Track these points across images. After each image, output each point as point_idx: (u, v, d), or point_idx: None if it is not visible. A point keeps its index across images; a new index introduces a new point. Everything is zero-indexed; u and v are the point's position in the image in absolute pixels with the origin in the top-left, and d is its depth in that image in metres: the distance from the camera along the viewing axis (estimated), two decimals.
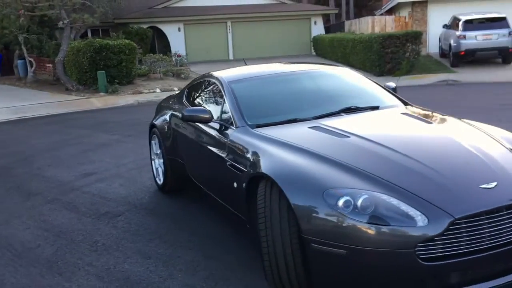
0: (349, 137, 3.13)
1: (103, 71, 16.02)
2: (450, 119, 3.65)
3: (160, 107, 5.41)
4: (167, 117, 4.92)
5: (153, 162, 5.41)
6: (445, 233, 2.34)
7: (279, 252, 2.66)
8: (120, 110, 12.90)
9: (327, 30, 29.20)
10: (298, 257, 2.65)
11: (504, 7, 19.39)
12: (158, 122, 5.06)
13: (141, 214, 4.58)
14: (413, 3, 21.98)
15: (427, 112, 3.85)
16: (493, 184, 2.53)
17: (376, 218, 2.37)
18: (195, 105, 4.53)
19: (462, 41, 16.74)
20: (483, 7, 19.91)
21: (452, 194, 2.47)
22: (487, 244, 2.37)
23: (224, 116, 3.83)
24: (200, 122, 3.88)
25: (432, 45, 21.55)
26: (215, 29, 25.69)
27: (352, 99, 3.97)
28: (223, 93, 3.97)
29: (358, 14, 36.15)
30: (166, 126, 4.87)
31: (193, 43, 25.13)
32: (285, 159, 2.91)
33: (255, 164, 3.08)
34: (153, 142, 5.30)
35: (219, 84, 4.14)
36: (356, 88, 4.25)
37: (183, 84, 13.59)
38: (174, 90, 14.73)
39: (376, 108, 3.83)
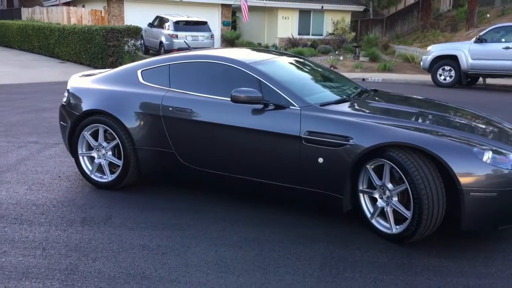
0: (416, 111, 3.91)
1: None
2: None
3: (93, 92, 4.58)
4: (134, 103, 4.32)
5: (82, 157, 4.59)
6: None
7: (434, 205, 3.26)
8: None
9: None
10: (444, 207, 3.31)
11: (190, 12, 21.95)
12: (110, 109, 4.33)
13: (138, 212, 4.00)
14: None
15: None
16: None
17: None
18: (181, 88, 4.26)
19: (175, 40, 18.33)
20: (175, 10, 22.01)
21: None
22: None
23: (266, 97, 3.89)
24: (252, 103, 3.81)
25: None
26: None
27: (346, 82, 4.66)
28: (253, 75, 4.00)
29: (23, 2, 33.48)
30: (136, 114, 4.29)
31: None
32: (406, 131, 3.44)
33: (368, 136, 3.46)
34: (86, 133, 4.50)
35: (236, 66, 4.11)
36: (331, 72, 4.92)
37: None
38: None
39: (375, 90, 4.64)
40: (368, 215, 3.65)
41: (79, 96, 4.66)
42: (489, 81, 15.18)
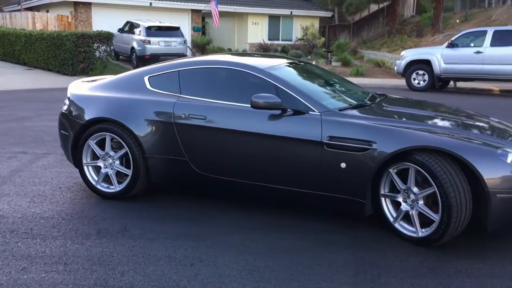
0: (432, 115, 3.96)
1: None
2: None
3: (98, 99, 4.42)
4: (143, 110, 4.20)
5: (87, 167, 4.43)
6: None
7: (463, 207, 3.29)
8: None
9: None
10: (471, 209, 3.34)
11: (160, 17, 21.69)
12: (118, 116, 4.19)
13: (153, 222, 3.88)
14: (75, 3, 21.69)
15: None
16: None
17: None
18: (193, 94, 4.18)
19: (147, 46, 18.04)
20: (144, 15, 21.71)
21: None
22: None
23: (284, 103, 3.85)
24: (271, 109, 3.76)
25: None
26: None
27: (354, 87, 4.67)
28: (270, 80, 3.96)
29: None
30: (146, 121, 4.17)
31: None
32: (431, 135, 3.46)
33: (393, 141, 3.46)
34: (91, 142, 4.35)
35: (252, 71, 4.06)
36: (337, 77, 4.94)
37: None
38: None
39: (384, 95, 4.68)
40: (391, 219, 3.66)
41: (82, 104, 4.50)
42: (459, 84, 15.63)
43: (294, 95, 3.86)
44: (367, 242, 3.59)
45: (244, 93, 3.99)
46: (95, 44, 16.66)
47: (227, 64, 4.25)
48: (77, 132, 4.40)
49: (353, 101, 4.17)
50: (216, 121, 4.01)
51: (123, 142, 4.20)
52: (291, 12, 26.87)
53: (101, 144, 4.37)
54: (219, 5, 22.16)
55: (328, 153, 3.64)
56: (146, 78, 4.42)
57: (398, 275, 3.10)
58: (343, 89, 4.54)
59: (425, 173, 3.35)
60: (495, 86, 15.86)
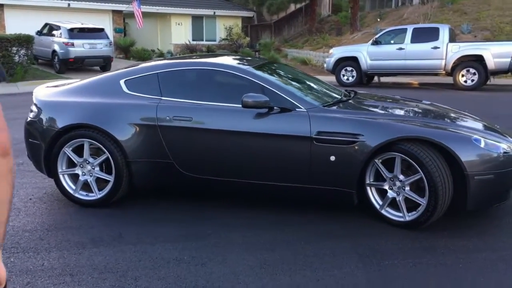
0: (406, 107, 4.24)
1: None
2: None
3: (71, 104, 4.25)
4: (123, 114, 4.11)
5: (63, 176, 4.27)
6: None
7: (447, 190, 3.59)
8: None
9: None
10: (452, 191, 3.66)
11: (79, 19, 20.85)
12: (97, 122, 4.07)
13: (145, 226, 3.82)
14: None
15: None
16: None
17: (504, 150, 3.74)
18: (175, 96, 4.16)
19: (71, 49, 17.26)
20: (62, 17, 20.77)
21: None
22: None
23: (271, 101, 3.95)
24: (261, 108, 3.84)
25: None
26: None
27: (326, 84, 4.86)
28: (255, 80, 4.05)
29: None
30: (127, 125, 4.08)
31: None
32: (414, 126, 3.73)
33: (380, 132, 3.69)
34: (67, 149, 4.19)
35: (236, 72, 4.12)
36: (309, 75, 5.10)
37: None
38: None
39: (354, 91, 4.91)
40: (378, 206, 3.88)
41: (54, 110, 4.31)
42: (383, 79, 16.52)
43: (280, 93, 3.98)
44: (359, 230, 3.79)
45: (229, 94, 4.06)
46: (14, 48, 15.67)
47: (210, 65, 4.28)
48: (51, 140, 4.21)
49: (332, 97, 4.36)
50: (203, 122, 4.03)
51: (103, 148, 4.10)
52: (214, 13, 26.92)
53: (77, 151, 4.22)
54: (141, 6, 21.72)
55: (317, 147, 3.80)
56: (122, 82, 4.33)
57: (399, 257, 3.32)
58: (318, 86, 4.72)
59: (412, 161, 3.61)
60: (414, 80, 16.94)
